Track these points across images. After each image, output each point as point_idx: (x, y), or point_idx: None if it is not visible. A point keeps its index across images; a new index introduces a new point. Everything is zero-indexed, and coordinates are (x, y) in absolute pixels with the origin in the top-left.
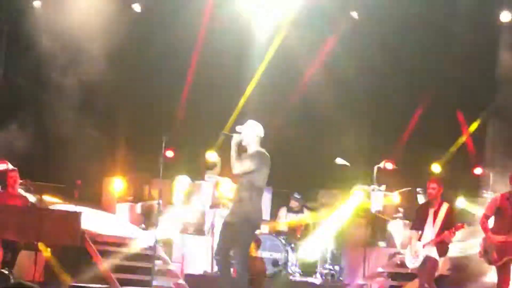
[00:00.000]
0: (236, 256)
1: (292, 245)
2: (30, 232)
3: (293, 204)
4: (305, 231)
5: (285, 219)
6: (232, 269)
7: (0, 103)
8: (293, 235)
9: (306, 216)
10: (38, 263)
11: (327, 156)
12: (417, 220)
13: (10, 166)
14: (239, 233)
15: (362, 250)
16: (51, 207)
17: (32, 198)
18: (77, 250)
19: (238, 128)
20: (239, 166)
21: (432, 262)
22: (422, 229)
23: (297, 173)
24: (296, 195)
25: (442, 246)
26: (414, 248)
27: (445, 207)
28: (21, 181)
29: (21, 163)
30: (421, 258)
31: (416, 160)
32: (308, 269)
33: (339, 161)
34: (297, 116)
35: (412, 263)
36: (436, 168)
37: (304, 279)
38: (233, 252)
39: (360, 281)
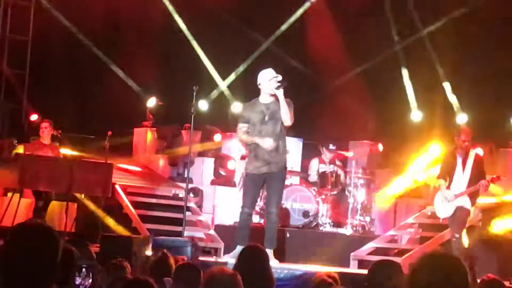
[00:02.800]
0: (273, 205)
1: (323, 196)
2: (62, 183)
3: (325, 156)
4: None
5: (317, 171)
6: (262, 220)
7: (33, 58)
8: (325, 186)
9: (338, 167)
10: (69, 214)
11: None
12: (444, 169)
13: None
14: (279, 182)
15: (393, 201)
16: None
17: (64, 150)
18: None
19: (279, 76)
20: (291, 117)
21: (464, 212)
22: (451, 178)
23: (327, 124)
24: (330, 147)
25: (474, 196)
26: (444, 197)
27: (472, 154)
28: (53, 132)
29: (53, 114)
30: (452, 208)
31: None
32: (338, 220)
33: None
34: None
35: (443, 214)
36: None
37: (334, 230)
38: (270, 202)
39: (391, 232)
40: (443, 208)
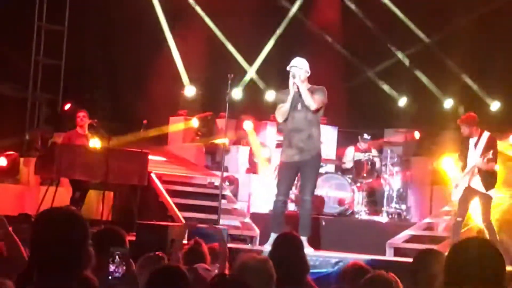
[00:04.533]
0: (307, 193)
1: (358, 184)
2: (98, 172)
3: (361, 144)
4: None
5: (352, 159)
6: (297, 208)
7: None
8: (360, 174)
9: (373, 155)
10: (105, 203)
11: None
12: (460, 152)
13: None
14: (313, 170)
15: (428, 189)
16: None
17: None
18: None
19: (297, 63)
20: (314, 102)
21: (484, 199)
22: (465, 161)
23: (363, 112)
24: (365, 136)
25: (486, 178)
26: (457, 180)
27: (485, 135)
28: (89, 121)
29: (89, 104)
30: (460, 189)
31: None
32: (374, 208)
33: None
34: None
35: (455, 195)
36: None
37: (370, 218)
38: (304, 190)
39: (427, 219)
40: (456, 191)
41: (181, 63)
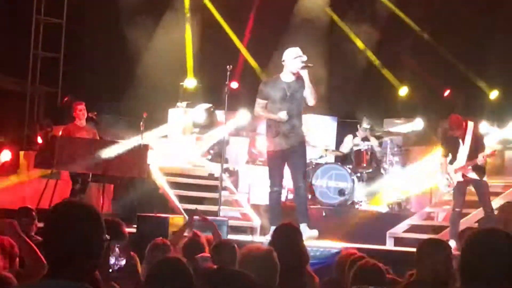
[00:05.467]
0: (300, 180)
1: (358, 174)
2: (98, 165)
3: (360, 132)
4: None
5: (351, 147)
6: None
7: (68, 41)
8: (360, 164)
9: (373, 144)
10: (106, 195)
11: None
12: (446, 147)
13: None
14: (301, 157)
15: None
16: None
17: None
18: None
19: (304, 56)
20: (315, 97)
21: (481, 186)
22: (455, 155)
23: (361, 102)
24: (365, 125)
25: (479, 169)
26: (446, 173)
27: (470, 128)
28: (88, 114)
29: (89, 96)
30: (453, 183)
31: None
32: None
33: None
34: None
35: (444, 188)
36: None
37: (370, 208)
38: (296, 178)
39: (427, 209)
40: (444, 181)
41: (191, 54)
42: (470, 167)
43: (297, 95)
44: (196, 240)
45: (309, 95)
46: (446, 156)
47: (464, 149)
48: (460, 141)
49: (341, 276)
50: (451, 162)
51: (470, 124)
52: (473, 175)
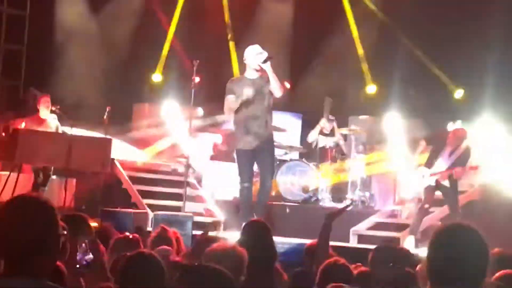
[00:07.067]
0: (268, 179)
1: (323, 171)
2: (60, 158)
3: (325, 126)
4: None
5: (316, 142)
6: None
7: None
8: (324, 161)
9: (338, 140)
10: (68, 190)
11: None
12: (431, 156)
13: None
14: (270, 155)
15: (392, 176)
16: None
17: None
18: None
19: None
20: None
21: (451, 190)
22: (434, 160)
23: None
24: (330, 117)
25: (453, 179)
26: (421, 175)
27: (464, 146)
28: (52, 107)
29: (52, 89)
30: (424, 184)
31: None
32: (338, 195)
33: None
34: None
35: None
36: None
37: (334, 205)
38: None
39: (390, 207)
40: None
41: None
42: (447, 175)
43: (264, 90)
44: (164, 234)
45: (275, 87)
46: (428, 167)
47: (448, 160)
48: (447, 153)
49: (309, 269)
50: (429, 166)
51: (465, 144)
52: (446, 183)
